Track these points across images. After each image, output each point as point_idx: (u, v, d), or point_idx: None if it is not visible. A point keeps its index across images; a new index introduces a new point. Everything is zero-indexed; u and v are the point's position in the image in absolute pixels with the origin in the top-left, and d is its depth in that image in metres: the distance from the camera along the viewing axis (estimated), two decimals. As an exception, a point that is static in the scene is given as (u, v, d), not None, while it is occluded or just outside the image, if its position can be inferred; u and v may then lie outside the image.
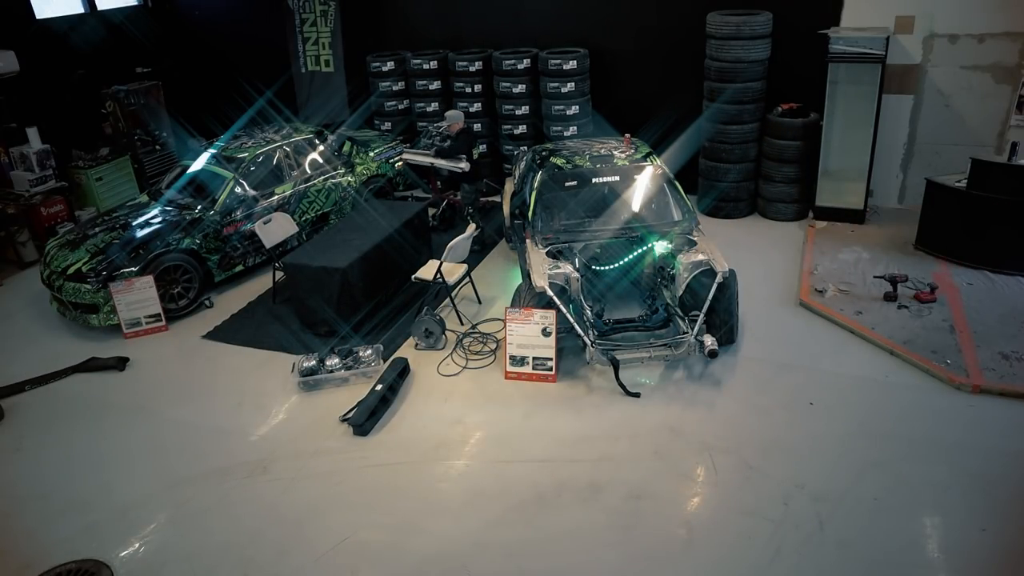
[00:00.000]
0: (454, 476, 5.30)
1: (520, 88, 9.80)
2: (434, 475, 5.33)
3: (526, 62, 9.68)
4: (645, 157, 7.43)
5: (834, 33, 8.13)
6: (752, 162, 9.06)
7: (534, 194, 7.10)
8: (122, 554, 4.80)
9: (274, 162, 8.65)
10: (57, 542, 4.91)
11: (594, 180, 7.18)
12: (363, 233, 7.54)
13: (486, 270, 8.31)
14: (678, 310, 6.37)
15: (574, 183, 7.20)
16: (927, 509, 4.75)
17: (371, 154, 9.74)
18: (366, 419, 5.75)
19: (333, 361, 6.44)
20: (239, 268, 8.36)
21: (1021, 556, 4.41)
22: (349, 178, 9.22)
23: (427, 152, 8.90)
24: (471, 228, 7.39)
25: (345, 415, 5.90)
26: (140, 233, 7.75)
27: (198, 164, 8.52)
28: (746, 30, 8.39)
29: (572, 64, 9.44)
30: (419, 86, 10.46)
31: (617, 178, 7.19)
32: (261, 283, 8.30)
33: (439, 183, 9.97)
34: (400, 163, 9.96)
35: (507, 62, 9.70)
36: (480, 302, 7.59)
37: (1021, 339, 6.29)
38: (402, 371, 6.36)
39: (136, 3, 11.41)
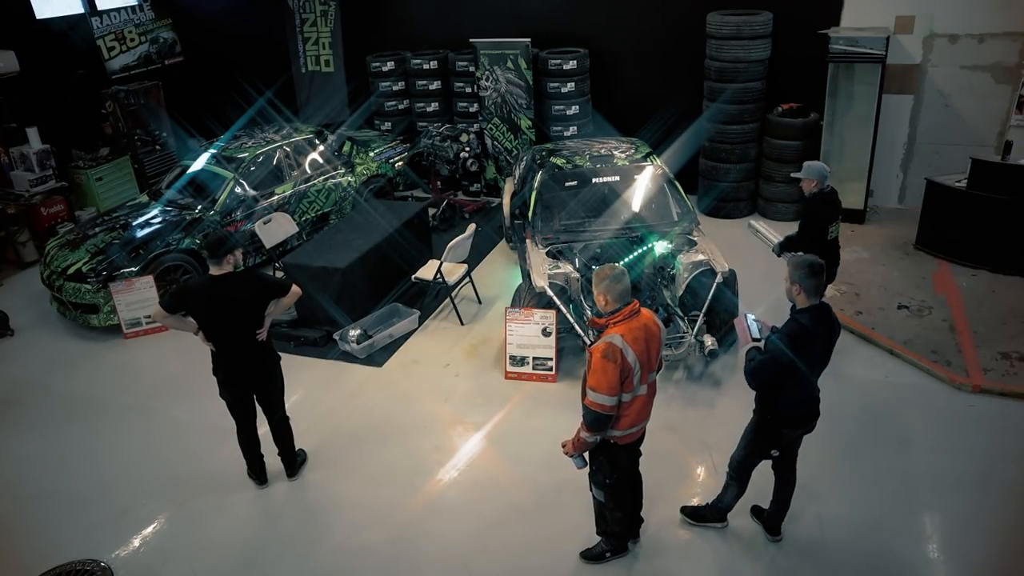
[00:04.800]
0: (454, 476, 5.30)
1: (520, 88, 9.82)
2: (434, 475, 5.33)
3: (526, 62, 9.70)
4: (645, 157, 7.43)
5: (834, 33, 8.14)
6: (752, 162, 9.06)
7: (534, 194, 7.10)
8: (122, 554, 4.80)
9: (274, 162, 8.65)
10: (57, 542, 4.91)
11: (594, 180, 7.18)
12: (363, 233, 7.54)
13: (486, 270, 8.31)
14: (678, 310, 6.37)
15: (574, 183, 7.20)
16: (927, 509, 4.75)
17: (371, 154, 9.75)
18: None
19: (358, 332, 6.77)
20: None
21: (1021, 556, 4.41)
22: (349, 178, 9.22)
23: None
24: (471, 228, 7.39)
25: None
26: (140, 233, 7.76)
27: (198, 164, 8.52)
28: (746, 30, 8.39)
29: (572, 64, 9.44)
30: (419, 86, 10.46)
31: (617, 178, 7.20)
32: (261, 283, 8.29)
33: (439, 183, 9.98)
34: (400, 163, 9.98)
35: (507, 62, 9.72)
36: (480, 302, 7.59)
37: (1021, 339, 6.29)
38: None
39: (136, 3, 11.40)
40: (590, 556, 4.49)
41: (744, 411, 5.71)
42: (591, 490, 4.29)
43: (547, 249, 6.66)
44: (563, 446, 4.03)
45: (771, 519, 4.59)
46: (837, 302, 7.02)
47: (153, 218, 8.01)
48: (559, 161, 7.40)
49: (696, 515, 4.73)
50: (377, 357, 6.77)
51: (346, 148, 9.51)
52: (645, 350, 3.81)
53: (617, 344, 3.69)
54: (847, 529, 4.62)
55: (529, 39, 9.45)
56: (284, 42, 11.49)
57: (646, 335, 3.82)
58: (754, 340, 4.06)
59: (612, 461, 4.10)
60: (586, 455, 4.07)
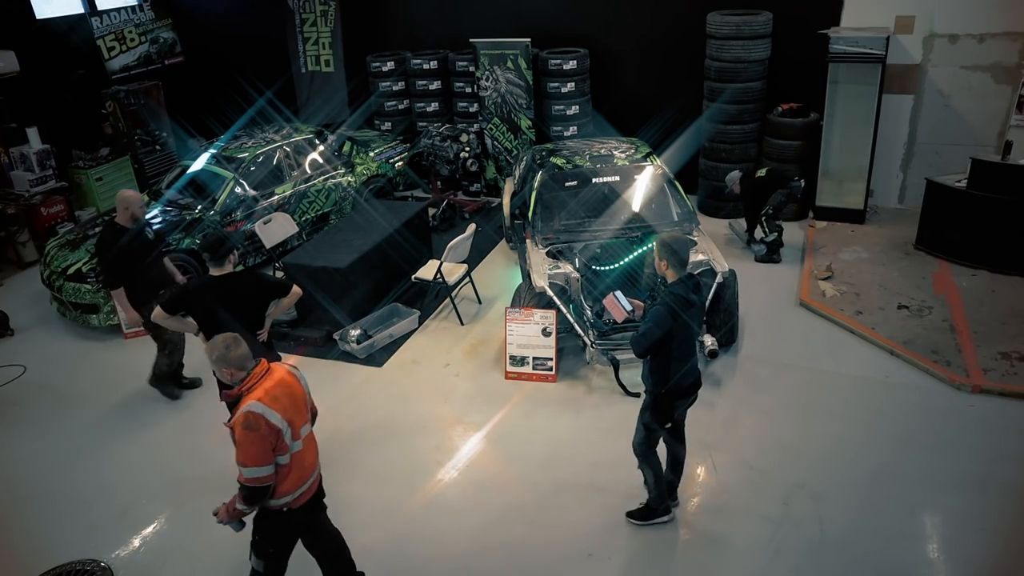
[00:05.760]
0: (454, 476, 5.30)
1: (520, 88, 9.82)
2: (434, 475, 5.33)
3: (526, 62, 9.71)
4: (645, 157, 7.44)
5: (834, 33, 8.13)
6: (752, 162, 9.04)
7: (534, 194, 7.10)
8: (122, 554, 4.80)
9: (274, 162, 8.65)
10: (57, 542, 4.91)
11: (594, 180, 7.19)
12: (363, 233, 7.54)
13: (486, 270, 8.31)
14: (678, 310, 6.37)
15: (574, 183, 7.20)
16: (927, 509, 4.75)
17: (371, 154, 9.75)
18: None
19: (358, 332, 6.74)
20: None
21: (1021, 556, 4.41)
22: (349, 178, 9.22)
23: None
24: (471, 228, 7.39)
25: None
26: (140, 233, 7.75)
27: (198, 164, 8.52)
28: (746, 30, 8.39)
29: (572, 64, 9.44)
30: (419, 86, 10.46)
31: (617, 178, 7.20)
32: (261, 283, 8.28)
33: (439, 183, 9.98)
34: (400, 163, 9.98)
35: (507, 62, 9.73)
36: (480, 302, 7.59)
37: (1021, 339, 6.29)
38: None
39: (136, 3, 11.41)
40: None
41: (744, 411, 5.76)
42: (250, 559, 3.92)
43: (547, 249, 6.66)
44: (215, 513, 3.73)
45: (670, 487, 4.81)
46: (837, 302, 7.02)
47: (153, 218, 8.00)
48: (559, 161, 7.40)
49: (642, 515, 4.76)
50: (377, 357, 6.77)
51: (346, 148, 9.51)
52: (290, 405, 3.62)
53: (256, 411, 3.47)
54: (847, 529, 4.62)
55: (529, 39, 9.46)
56: (284, 42, 11.49)
57: (286, 390, 3.64)
58: (628, 313, 4.52)
59: (282, 529, 3.84)
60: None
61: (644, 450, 4.59)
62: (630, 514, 4.79)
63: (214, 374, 3.80)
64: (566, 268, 6.36)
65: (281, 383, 3.66)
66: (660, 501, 4.71)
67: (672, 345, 4.20)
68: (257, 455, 3.50)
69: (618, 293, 4.54)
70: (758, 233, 8.06)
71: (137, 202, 5.82)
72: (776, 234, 7.97)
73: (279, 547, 3.92)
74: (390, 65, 10.51)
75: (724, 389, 6.02)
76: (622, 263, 6.86)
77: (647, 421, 4.49)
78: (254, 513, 3.77)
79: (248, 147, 8.62)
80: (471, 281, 7.62)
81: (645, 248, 6.80)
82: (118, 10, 11.14)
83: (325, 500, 4.09)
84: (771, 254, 8.04)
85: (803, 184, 8.05)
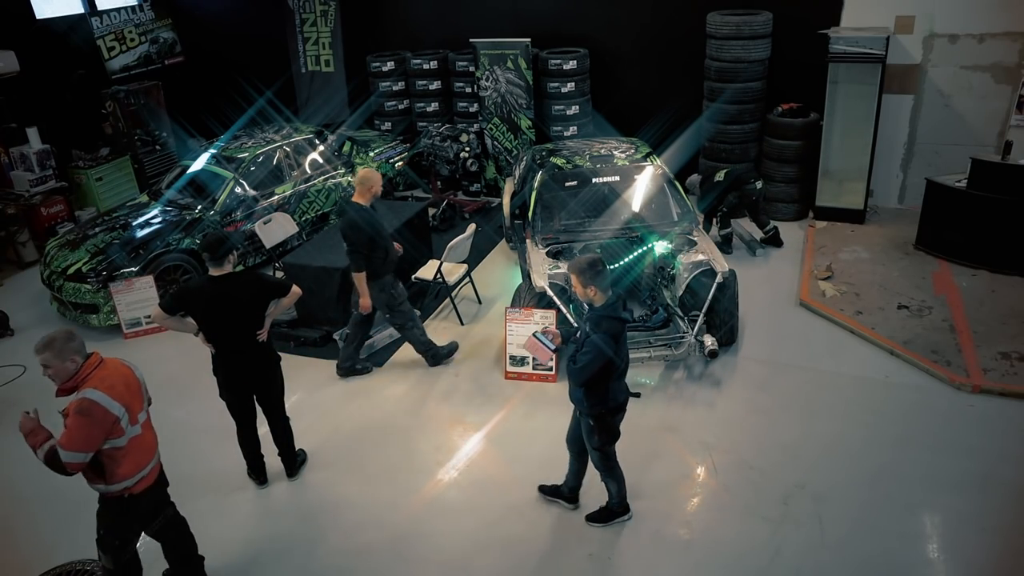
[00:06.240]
0: (454, 476, 5.30)
1: (520, 88, 9.82)
2: (434, 475, 5.33)
3: (526, 62, 9.71)
4: (645, 157, 7.44)
5: (834, 33, 8.13)
6: (752, 162, 9.06)
7: (534, 194, 7.10)
8: (122, 554, 4.79)
9: (274, 162, 8.65)
10: (57, 542, 4.91)
11: (594, 180, 7.19)
12: (363, 233, 7.54)
13: (486, 270, 8.31)
14: (678, 310, 6.37)
15: (574, 183, 7.20)
16: (927, 509, 4.75)
17: (371, 154, 9.75)
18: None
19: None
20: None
21: (1021, 556, 4.41)
22: (349, 178, 9.22)
23: None
24: (471, 228, 7.39)
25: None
26: (140, 233, 7.76)
27: (198, 164, 8.52)
28: (746, 30, 8.40)
29: (572, 64, 9.44)
30: (419, 86, 10.47)
31: (617, 178, 7.20)
32: (261, 283, 8.28)
33: (439, 183, 9.98)
34: (400, 163, 10.00)
35: (507, 62, 9.73)
36: (480, 302, 7.59)
37: (1021, 339, 6.29)
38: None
39: (136, 3, 11.41)
40: None
41: (744, 411, 5.76)
42: (99, 558, 3.99)
43: (547, 249, 6.66)
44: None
45: (573, 492, 4.87)
46: (837, 302, 7.02)
47: (153, 218, 8.01)
48: (559, 161, 7.40)
49: (602, 517, 4.77)
50: (377, 357, 6.77)
51: (346, 148, 9.51)
52: (126, 392, 3.76)
53: (91, 398, 3.58)
54: (847, 529, 4.62)
55: (529, 39, 9.47)
56: (284, 42, 11.49)
57: (121, 379, 3.78)
58: (553, 351, 4.36)
59: (125, 518, 3.90)
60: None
61: (605, 465, 4.60)
62: (590, 517, 4.79)
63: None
64: (566, 268, 6.36)
65: (116, 372, 3.79)
66: (621, 504, 4.74)
67: (612, 367, 4.14)
68: (81, 442, 3.58)
69: (538, 333, 4.41)
70: (714, 232, 8.28)
71: (380, 181, 5.92)
72: (729, 230, 8.23)
73: (124, 537, 3.99)
74: (390, 65, 10.51)
75: (724, 389, 6.02)
76: (622, 263, 6.86)
77: (598, 446, 4.44)
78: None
79: (248, 147, 8.62)
80: (471, 281, 7.62)
81: (645, 248, 6.80)
82: (118, 10, 11.14)
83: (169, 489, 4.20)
84: (724, 246, 8.19)
85: (759, 186, 8.06)
